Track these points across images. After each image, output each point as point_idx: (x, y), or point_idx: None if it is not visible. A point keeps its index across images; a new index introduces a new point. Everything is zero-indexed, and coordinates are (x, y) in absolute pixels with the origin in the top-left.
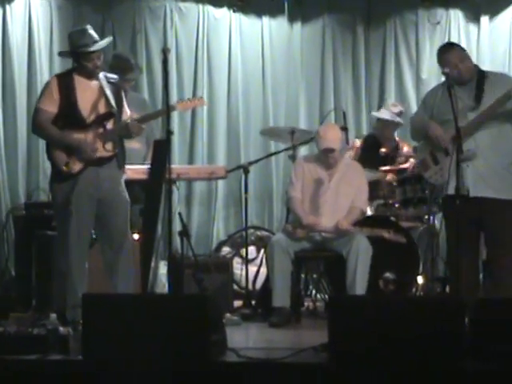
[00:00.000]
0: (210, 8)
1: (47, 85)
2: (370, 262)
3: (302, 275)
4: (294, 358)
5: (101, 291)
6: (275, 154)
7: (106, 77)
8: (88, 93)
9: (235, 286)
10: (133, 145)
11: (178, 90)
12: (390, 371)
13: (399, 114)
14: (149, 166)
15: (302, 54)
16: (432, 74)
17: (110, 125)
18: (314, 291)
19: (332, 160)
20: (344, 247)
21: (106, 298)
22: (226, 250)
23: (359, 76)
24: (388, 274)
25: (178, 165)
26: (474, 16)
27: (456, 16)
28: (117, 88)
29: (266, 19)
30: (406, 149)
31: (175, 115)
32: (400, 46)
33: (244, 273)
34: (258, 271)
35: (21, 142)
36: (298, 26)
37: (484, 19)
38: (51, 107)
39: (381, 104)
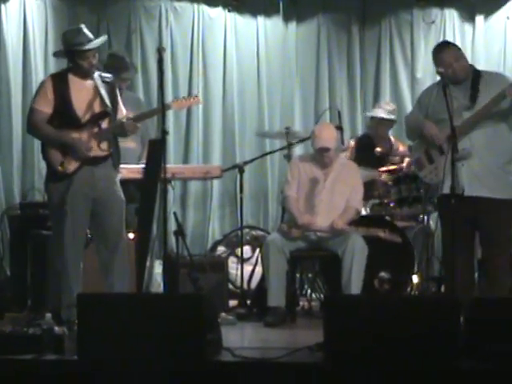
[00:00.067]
0: (205, 7)
1: (42, 85)
2: (366, 261)
3: (298, 275)
4: (290, 358)
5: (96, 291)
6: (270, 153)
7: (101, 76)
8: (83, 92)
9: (230, 286)
10: (128, 144)
11: (173, 89)
12: (385, 370)
13: (393, 112)
14: (144, 166)
15: (297, 54)
16: (427, 74)
17: (104, 124)
18: (309, 291)
19: (327, 159)
20: (339, 247)
21: (101, 298)
22: (221, 249)
23: (354, 75)
24: (383, 274)
25: (173, 164)
26: (468, 15)
27: (451, 15)
28: (111, 87)
29: (261, 19)
30: (401, 148)
31: (170, 114)
32: (395, 45)
33: (239, 272)
34: (253, 271)
35: (16, 142)
36: (293, 25)
37: (479, 19)
38: (46, 107)
39: (375, 104)
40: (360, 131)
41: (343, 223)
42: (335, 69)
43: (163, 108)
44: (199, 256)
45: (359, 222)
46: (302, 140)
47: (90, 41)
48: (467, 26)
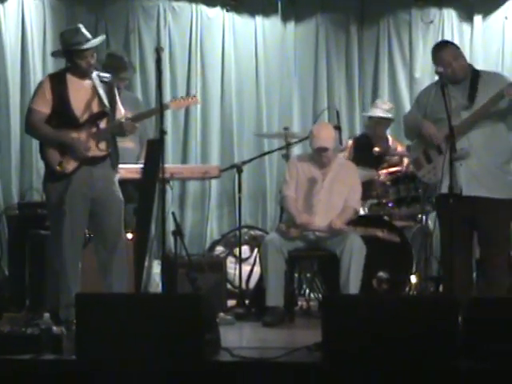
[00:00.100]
0: (203, 7)
1: (40, 85)
2: (364, 261)
3: (296, 274)
4: (288, 358)
5: (94, 291)
6: (269, 153)
7: (99, 76)
8: (81, 92)
9: (229, 286)
10: (126, 144)
11: (171, 89)
12: (383, 370)
13: (390, 111)
14: (142, 166)
15: (295, 54)
16: (425, 73)
17: (103, 124)
18: (307, 290)
19: (325, 159)
20: (338, 246)
21: (100, 298)
22: (219, 249)
23: (352, 75)
24: (381, 273)
25: (171, 164)
26: (467, 15)
27: (449, 15)
28: (110, 87)
29: (259, 18)
30: (399, 148)
31: (169, 114)
32: (393, 45)
33: (238, 272)
34: (251, 271)
35: (14, 142)
36: (291, 25)
37: (477, 18)
38: (44, 108)
39: (372, 104)
40: (358, 131)
41: (341, 223)
42: (333, 69)
43: (161, 108)
44: (197, 256)
45: (357, 221)
46: (301, 140)
47: (87, 40)
48: (465, 26)
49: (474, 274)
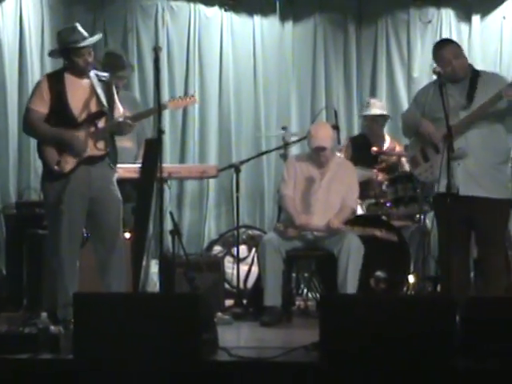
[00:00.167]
0: (201, 7)
1: (38, 85)
2: (362, 260)
3: (294, 274)
4: (285, 357)
5: (92, 290)
6: (267, 152)
7: (97, 75)
8: (79, 91)
9: (226, 285)
10: (124, 144)
11: (169, 88)
12: (381, 370)
13: (383, 107)
14: (140, 165)
15: (293, 53)
16: (423, 73)
17: (101, 123)
18: (305, 290)
19: (323, 158)
20: (335, 246)
21: (97, 297)
22: (217, 249)
23: (351, 75)
24: (379, 273)
25: (169, 164)
26: (465, 15)
27: (447, 15)
28: (108, 86)
29: (257, 18)
30: (397, 148)
31: (166, 114)
32: (391, 44)
33: (235, 272)
34: (249, 270)
35: (12, 141)
36: (289, 25)
37: (475, 18)
38: (42, 107)
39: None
40: (356, 130)
41: (339, 222)
42: (331, 68)
43: (159, 107)
44: (195, 255)
45: (355, 221)
46: (299, 139)
47: (84, 38)
48: (463, 26)
49: (472, 274)
